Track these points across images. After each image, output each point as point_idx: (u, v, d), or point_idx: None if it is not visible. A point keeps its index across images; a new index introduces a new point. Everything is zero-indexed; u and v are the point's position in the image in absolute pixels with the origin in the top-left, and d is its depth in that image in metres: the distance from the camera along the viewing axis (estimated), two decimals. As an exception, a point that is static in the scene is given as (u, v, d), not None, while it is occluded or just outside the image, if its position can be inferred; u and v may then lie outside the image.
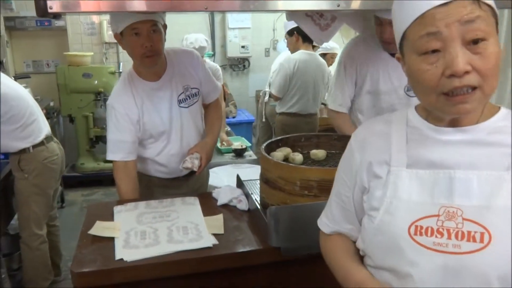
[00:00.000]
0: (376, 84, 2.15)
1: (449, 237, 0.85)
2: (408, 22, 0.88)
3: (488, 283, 0.81)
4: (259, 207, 1.68)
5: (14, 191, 2.66)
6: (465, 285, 0.83)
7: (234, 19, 5.81)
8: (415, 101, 2.17)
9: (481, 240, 0.82)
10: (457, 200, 0.87)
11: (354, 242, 1.07)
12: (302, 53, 3.91)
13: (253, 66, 6.26)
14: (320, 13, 2.14)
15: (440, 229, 0.86)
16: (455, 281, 0.84)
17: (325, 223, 1.13)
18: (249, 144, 3.65)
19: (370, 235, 0.96)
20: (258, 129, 4.77)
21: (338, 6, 1.52)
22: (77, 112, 4.78)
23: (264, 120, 4.53)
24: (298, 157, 1.74)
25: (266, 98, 4.45)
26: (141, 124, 1.99)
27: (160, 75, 2.01)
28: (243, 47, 6.09)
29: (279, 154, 1.76)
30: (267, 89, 4.42)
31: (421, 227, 0.87)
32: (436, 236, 0.86)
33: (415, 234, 0.88)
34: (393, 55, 2.09)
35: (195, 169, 2.00)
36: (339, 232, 1.11)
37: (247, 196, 1.81)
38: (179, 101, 2.05)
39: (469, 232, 0.84)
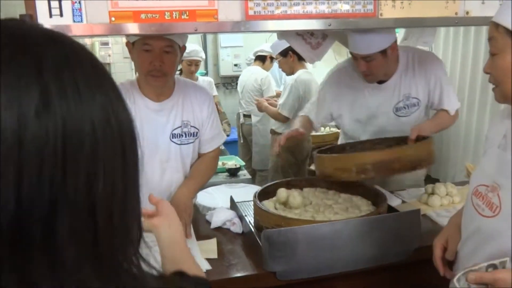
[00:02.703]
0: (366, 112, 2.14)
1: None
2: None
3: None
4: (253, 229, 1.65)
5: None
6: None
7: (227, 38, 5.84)
8: (405, 120, 2.13)
9: None
10: None
11: None
12: (305, 73, 3.85)
13: (246, 84, 6.27)
14: (311, 32, 2.13)
15: None
16: None
17: None
18: (243, 163, 3.62)
19: None
20: (240, 149, 4.77)
21: (329, 25, 1.52)
22: (69, 133, 4.73)
23: (242, 141, 4.56)
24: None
25: (242, 119, 4.49)
26: None
27: (162, 99, 1.83)
28: (235, 65, 6.10)
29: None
30: (240, 111, 4.50)
31: None
32: None
33: None
34: (379, 82, 2.09)
35: None
36: None
37: (241, 218, 1.78)
38: (172, 135, 1.83)
39: None
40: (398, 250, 1.57)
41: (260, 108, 4.09)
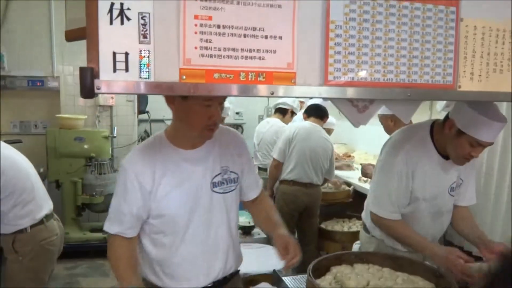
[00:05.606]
0: (424, 190, 1.94)
1: None
2: None
3: None
4: (311, 315, 1.47)
5: (3, 275, 2.34)
6: None
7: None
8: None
9: None
10: None
11: None
12: (306, 123, 3.90)
13: (247, 133, 6.17)
14: (358, 95, 2.04)
15: None
16: None
17: None
18: (256, 221, 3.43)
19: None
20: None
21: (409, 95, 1.42)
22: (65, 177, 4.50)
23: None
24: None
25: (257, 172, 4.30)
26: (152, 198, 1.59)
27: (197, 146, 1.66)
28: (237, 113, 6.03)
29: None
30: (255, 163, 4.37)
31: None
32: None
33: None
34: (443, 156, 1.93)
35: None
36: None
37: (293, 298, 1.60)
38: (213, 184, 1.65)
39: None
40: None
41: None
